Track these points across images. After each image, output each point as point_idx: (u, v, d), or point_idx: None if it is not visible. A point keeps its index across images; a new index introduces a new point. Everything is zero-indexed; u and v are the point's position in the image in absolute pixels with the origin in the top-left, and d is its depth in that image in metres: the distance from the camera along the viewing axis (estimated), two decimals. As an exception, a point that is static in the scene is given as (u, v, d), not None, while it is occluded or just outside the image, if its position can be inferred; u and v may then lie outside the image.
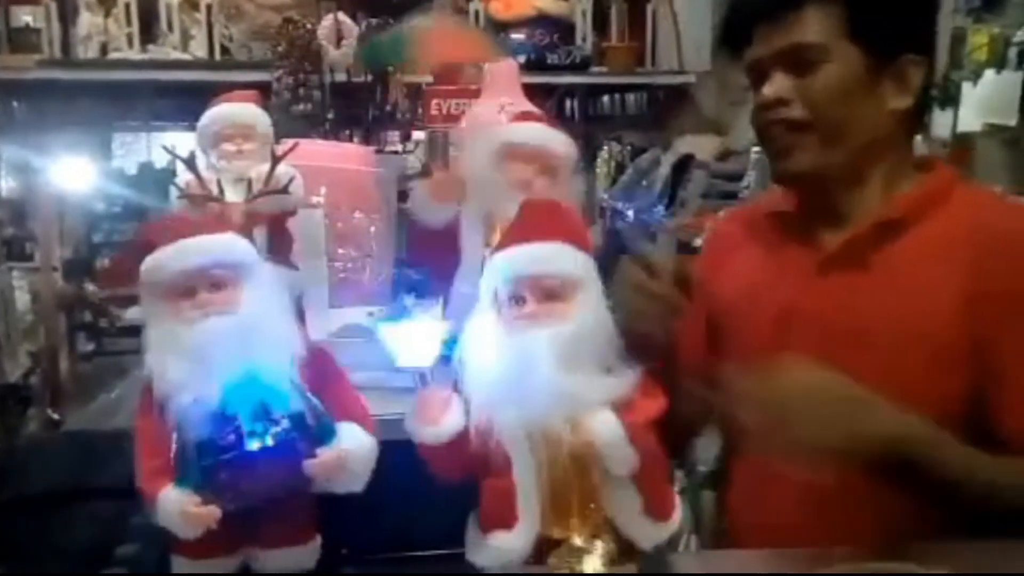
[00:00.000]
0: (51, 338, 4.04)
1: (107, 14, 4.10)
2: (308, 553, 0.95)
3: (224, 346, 0.88)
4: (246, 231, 1.12)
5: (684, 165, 4.06)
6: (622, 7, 4.64)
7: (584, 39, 4.54)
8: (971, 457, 1.10)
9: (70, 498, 1.21)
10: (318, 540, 0.95)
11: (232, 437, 0.85)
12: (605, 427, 0.85)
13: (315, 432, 0.88)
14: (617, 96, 4.94)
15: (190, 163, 1.23)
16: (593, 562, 0.85)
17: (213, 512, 0.85)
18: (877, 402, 1.04)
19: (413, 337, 0.89)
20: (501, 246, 0.92)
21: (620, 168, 4.60)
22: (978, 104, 2.38)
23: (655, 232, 4.06)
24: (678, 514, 0.91)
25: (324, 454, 0.88)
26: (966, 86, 2.41)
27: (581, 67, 4.45)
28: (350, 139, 2.12)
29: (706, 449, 2.28)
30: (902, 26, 1.20)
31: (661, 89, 4.71)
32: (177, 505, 0.86)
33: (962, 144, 2.44)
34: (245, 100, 1.33)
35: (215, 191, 1.18)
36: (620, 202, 4.31)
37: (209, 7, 4.09)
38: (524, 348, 0.86)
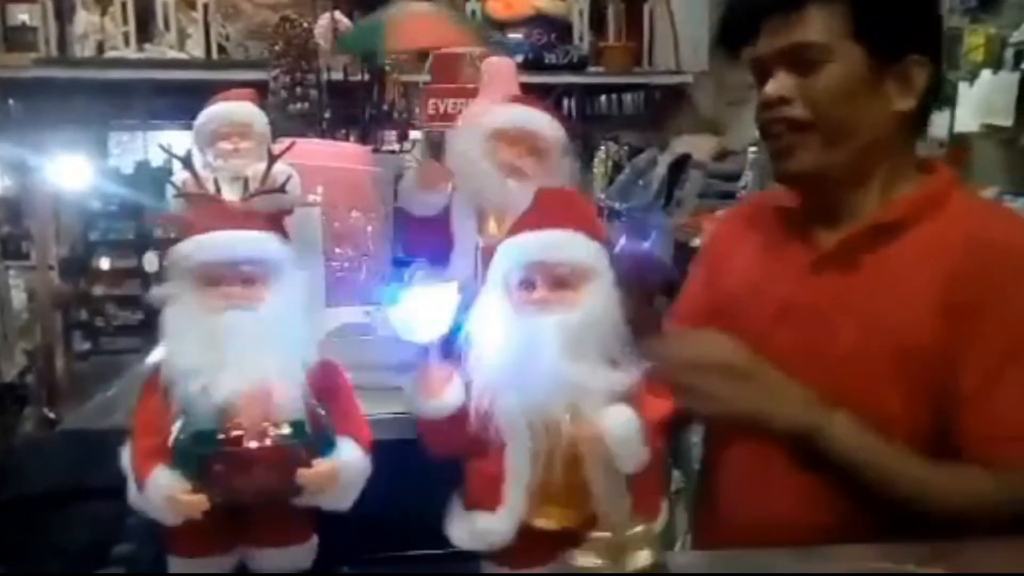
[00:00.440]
0: (47, 337, 4.04)
1: (104, 13, 4.09)
2: (305, 552, 0.94)
3: (241, 340, 0.88)
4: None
5: (681, 165, 4.06)
6: (619, 7, 4.65)
7: (581, 39, 4.55)
8: (897, 460, 1.12)
9: (67, 497, 1.20)
10: (315, 539, 0.95)
11: (232, 431, 0.85)
12: (620, 422, 0.85)
13: (314, 442, 0.88)
14: (614, 96, 4.95)
15: (187, 162, 1.23)
16: (635, 560, 0.84)
17: (200, 502, 0.85)
18: (789, 391, 1.14)
19: (425, 308, 0.89)
20: (514, 231, 0.92)
21: (617, 168, 4.60)
22: (975, 105, 2.39)
23: (652, 232, 4.07)
24: (662, 518, 0.91)
25: (320, 465, 0.87)
26: (962, 86, 2.41)
27: (578, 67, 4.46)
28: (347, 138, 2.12)
29: (703, 448, 2.29)
30: (906, 26, 1.19)
31: (658, 89, 4.72)
32: (165, 489, 0.85)
33: (959, 145, 2.45)
34: (242, 99, 1.33)
35: (211, 190, 1.18)
36: (617, 202, 4.31)
37: (206, 6, 4.09)
38: (530, 333, 0.86)
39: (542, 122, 1.21)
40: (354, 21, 2.11)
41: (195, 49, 4.12)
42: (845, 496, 1.13)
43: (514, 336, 0.87)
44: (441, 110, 1.52)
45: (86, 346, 5.57)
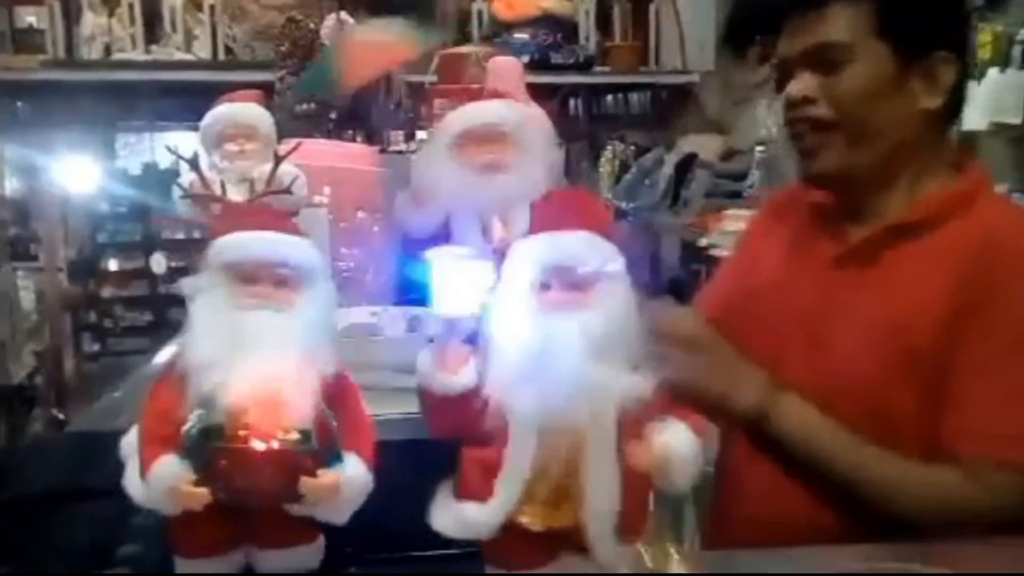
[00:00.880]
0: (56, 338, 4.05)
1: (111, 14, 4.11)
2: (311, 553, 0.94)
3: (264, 341, 0.88)
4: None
5: (687, 164, 4.06)
6: (625, 7, 4.65)
7: (588, 39, 4.55)
8: (850, 446, 1.11)
9: (74, 498, 1.21)
10: (321, 540, 0.95)
11: (241, 430, 0.85)
12: (682, 441, 0.86)
13: (320, 452, 0.88)
14: (620, 96, 4.95)
15: (193, 163, 1.23)
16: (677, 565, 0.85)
17: (201, 495, 0.85)
18: (746, 370, 1.14)
19: (459, 282, 0.88)
20: (530, 232, 0.92)
21: (624, 167, 4.60)
22: (982, 103, 2.38)
23: (659, 231, 4.06)
24: (645, 535, 0.91)
25: (324, 476, 0.87)
26: (970, 84, 2.40)
27: (585, 67, 4.46)
28: (353, 139, 2.12)
29: (708, 447, 2.28)
30: (932, 22, 1.17)
31: (664, 88, 4.72)
32: (170, 478, 0.85)
33: (967, 143, 2.44)
34: (248, 100, 1.33)
35: (218, 191, 1.18)
36: (624, 201, 4.31)
37: (213, 7, 4.10)
38: (553, 333, 0.86)
39: (506, 114, 1.19)
40: (360, 22, 2.11)
41: (202, 50, 4.13)
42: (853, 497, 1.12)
43: (534, 336, 0.86)
44: (447, 110, 1.52)
45: (95, 348, 5.59)
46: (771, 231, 1.36)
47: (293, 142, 1.30)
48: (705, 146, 4.13)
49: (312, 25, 2.07)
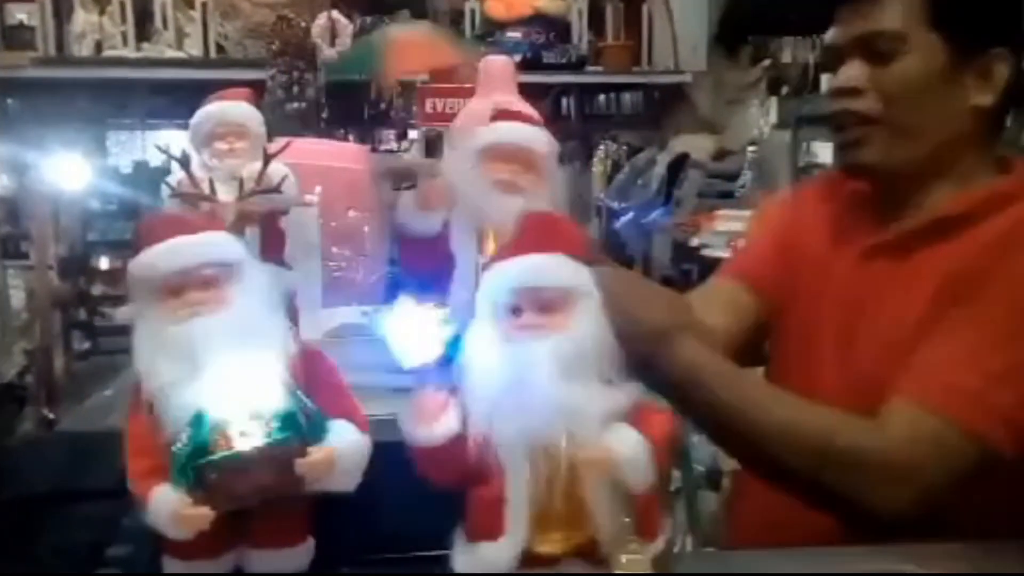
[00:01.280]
0: (46, 337, 4.03)
1: (102, 12, 4.10)
2: (302, 554, 0.94)
3: (213, 345, 0.87)
4: (238, 230, 1.11)
5: (680, 164, 4.07)
6: (618, 6, 4.66)
7: (580, 38, 4.55)
8: (752, 386, 1.08)
9: (64, 498, 1.20)
10: (311, 541, 0.94)
11: (222, 438, 0.84)
12: (628, 444, 0.84)
13: (307, 431, 0.87)
14: (613, 95, 4.96)
15: (183, 162, 1.22)
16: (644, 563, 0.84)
17: (205, 514, 0.84)
18: (663, 297, 1.09)
19: (416, 333, 0.88)
20: (498, 257, 0.91)
21: (616, 167, 4.60)
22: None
23: (652, 231, 4.07)
24: (663, 536, 0.91)
25: (315, 453, 0.87)
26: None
27: (577, 66, 4.46)
28: (345, 137, 2.12)
29: (702, 448, 2.29)
30: (989, 17, 1.14)
31: (657, 88, 4.73)
32: (168, 506, 0.85)
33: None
34: (238, 98, 1.32)
35: (207, 190, 1.17)
36: (616, 201, 4.31)
37: (204, 5, 4.09)
38: (523, 359, 0.85)
39: (536, 137, 1.19)
40: (352, 21, 2.11)
41: (193, 48, 4.12)
42: None
43: (507, 363, 0.86)
44: (438, 109, 1.52)
45: (85, 346, 5.56)
46: (814, 212, 1.32)
47: (283, 141, 1.30)
48: (697, 146, 4.14)
49: (303, 23, 2.07)
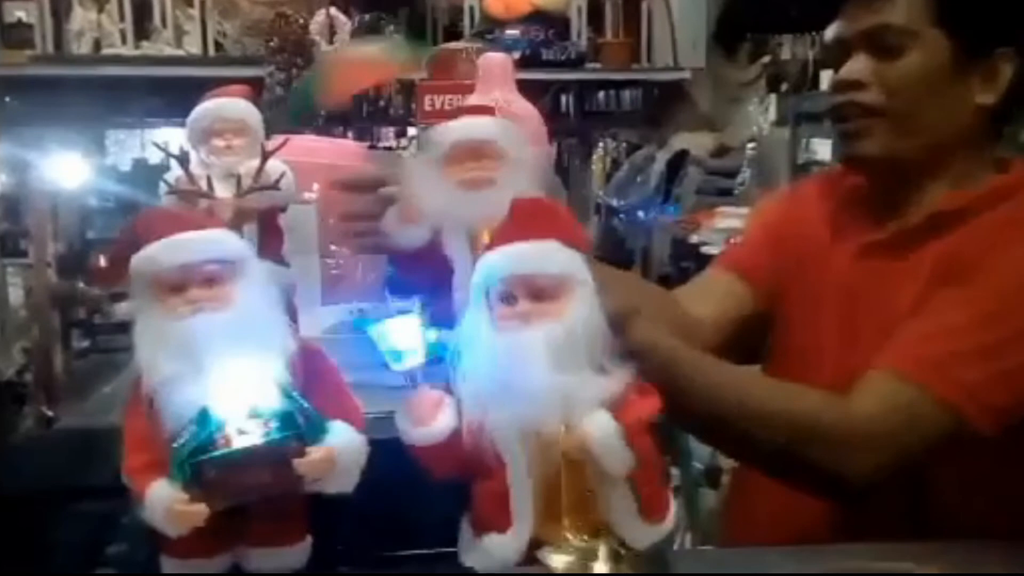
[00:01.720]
0: (45, 335, 4.03)
1: (100, 10, 4.10)
2: (299, 552, 0.94)
3: (214, 342, 0.86)
4: (236, 227, 1.11)
5: (679, 161, 4.07)
6: (617, 3, 4.65)
7: (579, 35, 4.55)
8: (710, 364, 1.08)
9: (64, 496, 1.20)
10: (309, 539, 0.94)
11: (221, 435, 0.84)
12: (599, 427, 0.84)
13: (305, 431, 0.87)
14: (612, 92, 4.96)
15: (182, 160, 1.22)
16: (601, 563, 0.84)
17: (200, 511, 0.84)
18: (622, 283, 1.09)
19: (398, 341, 0.88)
20: (492, 245, 0.91)
21: (615, 165, 4.61)
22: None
23: (650, 228, 4.07)
24: (672, 514, 0.91)
25: (314, 452, 0.87)
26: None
27: (576, 63, 4.46)
28: (344, 135, 2.11)
29: (702, 446, 2.29)
30: (996, 17, 1.15)
31: (656, 85, 4.72)
32: (164, 501, 0.84)
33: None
34: (235, 95, 1.32)
35: (204, 187, 1.17)
36: (615, 198, 4.31)
37: (203, 3, 4.09)
38: (516, 348, 0.85)
39: (493, 128, 1.17)
40: (350, 17, 2.11)
41: (192, 46, 4.12)
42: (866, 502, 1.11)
43: (500, 352, 0.86)
44: (437, 106, 1.52)
45: (84, 344, 5.56)
46: (812, 208, 1.33)
47: (281, 138, 1.29)
48: (697, 143, 4.14)
49: (301, 20, 2.07)
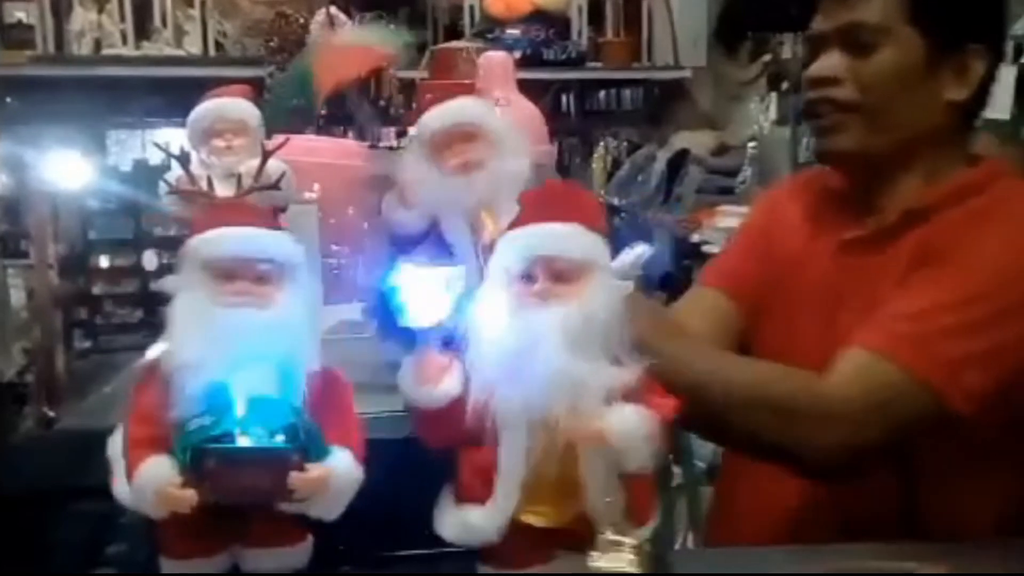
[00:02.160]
0: (47, 335, 4.03)
1: (101, 10, 4.10)
2: (299, 554, 0.94)
3: (249, 338, 0.87)
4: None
5: (680, 160, 4.06)
6: (618, 2, 4.65)
7: (580, 34, 4.55)
8: (682, 342, 1.10)
9: (64, 496, 1.20)
10: (310, 540, 0.94)
11: (232, 430, 0.84)
12: (631, 421, 0.83)
13: (307, 448, 0.87)
14: (613, 91, 4.96)
15: (182, 160, 1.22)
16: (628, 557, 0.83)
17: (189, 497, 0.84)
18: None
19: (424, 293, 0.86)
20: (516, 223, 0.91)
21: (616, 164, 4.60)
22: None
23: (652, 227, 4.06)
24: (653, 521, 0.90)
25: (312, 470, 0.86)
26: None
27: (577, 62, 4.46)
28: (344, 135, 2.11)
29: (704, 444, 2.29)
30: (968, 14, 1.17)
31: (657, 84, 4.72)
32: (156, 479, 0.84)
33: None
34: (235, 95, 1.32)
35: (205, 187, 1.17)
36: (616, 198, 4.31)
37: (203, 3, 4.10)
38: (531, 327, 0.85)
39: (474, 111, 1.17)
40: (351, 17, 2.10)
41: (192, 46, 4.13)
42: (854, 494, 1.12)
43: (514, 330, 0.85)
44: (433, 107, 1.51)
45: (86, 344, 5.56)
46: (790, 211, 1.34)
47: (281, 138, 1.29)
48: (697, 142, 4.13)
49: (302, 20, 2.06)
